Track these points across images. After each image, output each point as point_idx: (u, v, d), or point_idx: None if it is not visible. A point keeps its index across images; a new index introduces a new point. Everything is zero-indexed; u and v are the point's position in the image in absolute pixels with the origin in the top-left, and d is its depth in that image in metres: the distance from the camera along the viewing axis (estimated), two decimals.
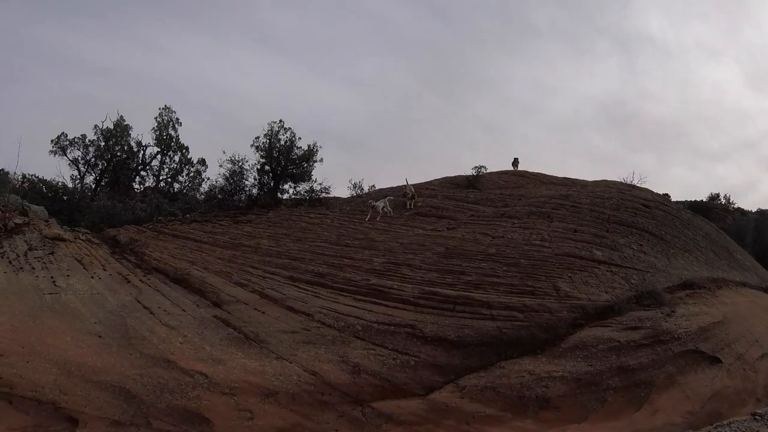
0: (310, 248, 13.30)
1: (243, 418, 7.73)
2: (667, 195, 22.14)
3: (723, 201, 43.18)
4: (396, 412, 8.31)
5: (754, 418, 9.80)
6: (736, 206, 43.38)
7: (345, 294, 10.71)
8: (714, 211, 37.48)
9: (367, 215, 16.91)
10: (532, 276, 11.46)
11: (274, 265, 12.12)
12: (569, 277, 11.61)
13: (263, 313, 9.83)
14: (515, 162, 24.70)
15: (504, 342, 9.63)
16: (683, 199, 36.35)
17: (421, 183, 20.88)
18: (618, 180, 20.71)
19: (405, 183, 18.62)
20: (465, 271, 11.62)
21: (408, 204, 17.63)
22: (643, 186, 20.24)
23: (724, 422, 9.56)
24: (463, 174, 21.65)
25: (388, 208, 15.98)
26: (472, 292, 10.64)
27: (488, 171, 22.07)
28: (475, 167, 21.58)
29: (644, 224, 15.62)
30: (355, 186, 23.29)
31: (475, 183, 20.63)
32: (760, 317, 13.81)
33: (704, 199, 42.09)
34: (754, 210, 41.40)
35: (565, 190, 18.23)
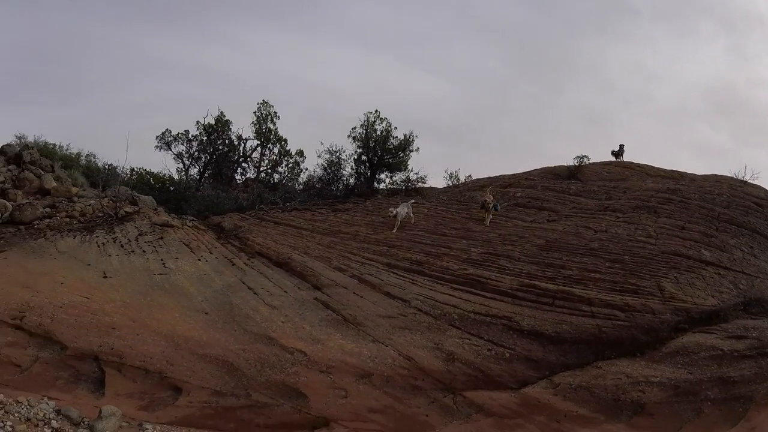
0: (407, 236, 13.37)
1: (338, 396, 7.99)
2: None
3: None
4: (487, 403, 8.31)
5: None
6: None
7: (442, 282, 10.73)
8: None
9: (454, 211, 16.15)
10: (635, 274, 10.95)
11: (372, 252, 12.30)
12: (675, 277, 11.01)
13: (361, 297, 10.07)
14: (620, 149, 23.25)
15: (603, 341, 9.33)
16: None
17: (520, 173, 20.31)
18: (728, 175, 19.38)
19: (485, 192, 15.68)
20: (566, 265, 11.32)
21: (485, 218, 14.73)
22: (755, 182, 18.83)
23: None
24: (564, 164, 20.88)
25: (411, 214, 14.61)
26: (572, 287, 10.38)
27: (591, 161, 21.13)
28: (577, 157, 20.56)
29: (756, 225, 14.48)
30: (451, 176, 22.92)
31: (577, 174, 19.72)
32: None
33: None
34: None
35: (673, 184, 17.24)
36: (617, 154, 23.10)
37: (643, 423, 8.52)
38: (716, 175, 18.92)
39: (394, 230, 13.54)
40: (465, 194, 18.20)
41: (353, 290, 10.32)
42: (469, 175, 22.73)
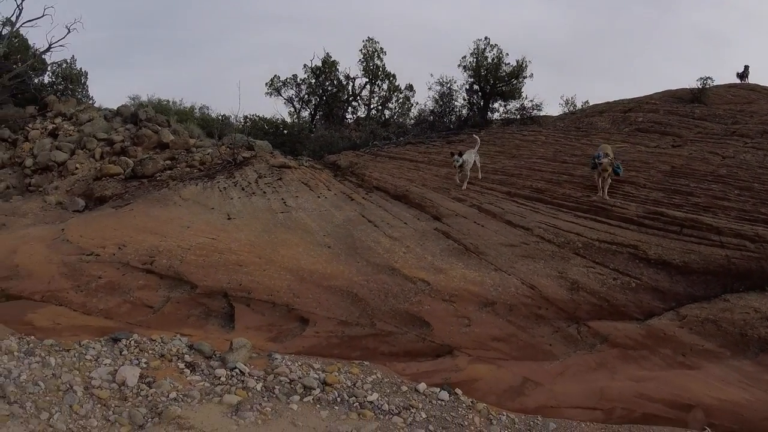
0: (526, 164, 13.05)
1: (461, 324, 8.00)
2: None
3: None
4: (612, 334, 8.02)
5: None
6: None
7: (564, 210, 10.43)
8: None
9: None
10: (766, 203, 10.16)
11: (491, 181, 12.10)
12: None
13: (482, 226, 9.96)
14: (745, 71, 21.56)
15: (731, 273, 8.71)
16: None
17: (639, 97, 19.23)
18: None
19: (603, 148, 11.94)
20: (693, 192, 10.66)
21: (599, 181, 10.98)
22: None
23: None
24: (686, 87, 19.63)
25: (478, 164, 12.00)
26: (700, 215, 9.75)
27: (715, 84, 19.74)
28: (700, 79, 19.24)
29: None
30: (567, 103, 22.09)
31: (700, 97, 18.40)
32: None
33: None
34: None
35: None
36: (742, 76, 21.48)
37: None
38: None
39: (464, 186, 11.48)
40: (583, 120, 17.44)
41: (473, 220, 10.22)
42: (586, 101, 21.86)
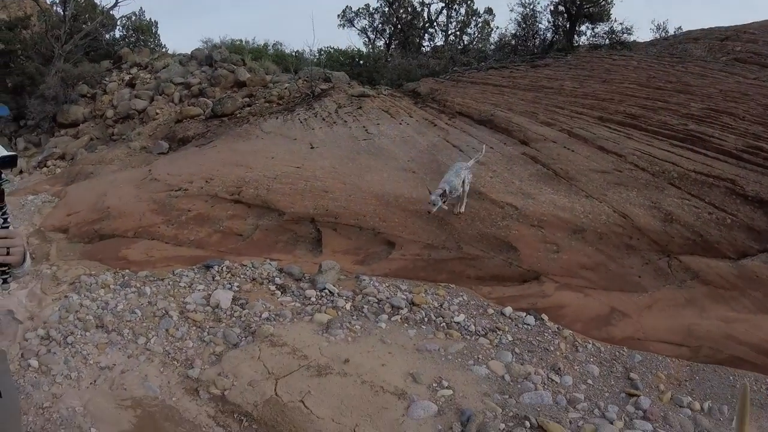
0: (617, 90, 12.47)
1: (549, 250, 7.83)
2: None
3: None
4: (703, 270, 7.60)
5: None
6: None
7: (659, 138, 9.90)
8: None
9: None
10: None
11: (581, 105, 11.66)
12: None
13: (572, 151, 9.62)
14: None
15: None
16: None
17: (737, 26, 18.07)
18: None
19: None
20: None
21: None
22: None
23: None
24: None
25: (466, 186, 8.36)
26: None
27: None
28: None
29: None
30: (659, 28, 20.92)
31: None
32: None
33: None
34: None
35: None
36: None
37: None
38: None
39: (461, 209, 8.45)
40: (677, 47, 16.54)
41: (563, 144, 9.87)
42: (679, 27, 20.70)
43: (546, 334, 6.88)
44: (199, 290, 7.42)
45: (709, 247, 7.87)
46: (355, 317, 6.88)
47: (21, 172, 15.07)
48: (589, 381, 6.04)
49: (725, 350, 6.80)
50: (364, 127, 11.85)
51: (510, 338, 6.69)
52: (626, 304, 7.41)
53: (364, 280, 7.69)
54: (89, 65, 20.00)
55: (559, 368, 6.15)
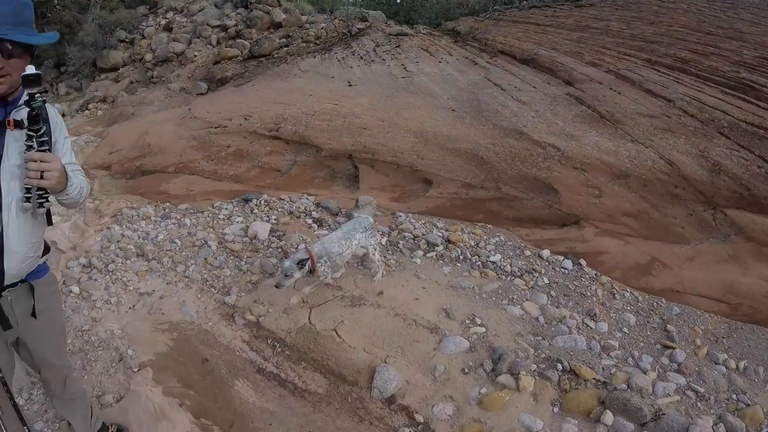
0: (666, 32, 12.02)
1: (590, 194, 7.64)
2: None
3: None
4: (749, 226, 7.30)
5: None
6: None
7: (710, 84, 9.48)
8: None
9: None
10: None
11: (628, 47, 11.26)
12: None
13: (619, 93, 9.29)
14: None
15: None
16: None
17: None
18: None
19: None
20: None
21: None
22: None
23: None
24: None
25: (372, 253, 6.13)
26: None
27: None
28: None
29: None
30: None
31: None
32: None
33: None
34: None
35: None
36: None
37: None
38: None
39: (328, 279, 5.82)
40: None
41: (609, 86, 9.54)
42: None
43: (583, 279, 6.78)
44: (237, 222, 7.47)
45: (757, 202, 7.51)
46: (390, 252, 6.86)
47: (63, 115, 15.23)
48: (625, 329, 5.95)
49: (765, 310, 6.61)
50: (402, 65, 11.62)
51: (546, 281, 6.61)
52: (667, 254, 7.23)
53: (400, 216, 7.66)
54: (125, 11, 20.00)
55: (595, 314, 6.06)
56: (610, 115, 8.75)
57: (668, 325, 6.09)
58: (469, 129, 8.73)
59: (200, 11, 18.75)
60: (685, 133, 8.34)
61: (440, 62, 11.56)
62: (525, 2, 17.25)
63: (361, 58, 12.66)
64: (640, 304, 6.51)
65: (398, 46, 13.10)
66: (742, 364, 5.61)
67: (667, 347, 5.72)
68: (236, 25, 17.11)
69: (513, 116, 8.82)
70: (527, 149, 8.15)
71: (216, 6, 19.02)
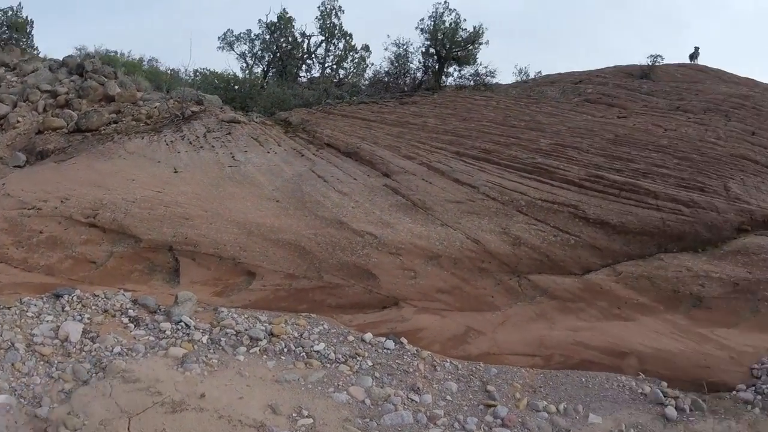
0: (476, 127, 13.16)
1: (407, 276, 8.20)
2: None
3: None
4: (551, 287, 8.48)
5: None
6: None
7: (510, 170, 10.65)
8: None
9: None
10: (703, 172, 10.73)
11: (441, 141, 12.18)
12: (741, 179, 10.75)
13: (430, 183, 10.10)
14: (695, 52, 22.56)
15: (666, 234, 9.28)
16: None
17: (591, 71, 19.78)
18: None
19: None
20: (633, 159, 11.07)
21: None
22: None
23: None
24: (637, 64, 20.28)
25: None
26: (639, 180, 10.19)
27: (664, 62, 20.46)
28: (650, 57, 20.03)
29: None
30: (520, 72, 22.32)
31: (650, 74, 19.12)
32: None
33: None
34: None
35: (746, 90, 16.66)
36: (692, 57, 22.46)
37: (701, 315, 8.51)
38: None
39: None
40: (534, 89, 17.84)
41: (422, 177, 10.33)
42: (539, 72, 22.20)
43: (405, 357, 7.17)
44: (47, 321, 7.00)
45: (556, 266, 8.78)
46: (212, 350, 6.80)
47: None
48: (448, 397, 6.41)
49: (575, 356, 7.60)
50: (231, 153, 11.72)
51: (370, 363, 6.89)
52: (481, 322, 8.01)
53: (222, 311, 7.61)
54: None
55: (419, 388, 6.46)
56: (422, 203, 9.52)
57: (488, 386, 6.65)
58: (292, 220, 9.02)
59: (33, 72, 17.51)
60: (488, 214, 9.36)
61: (269, 152, 11.81)
62: (355, 98, 18.09)
63: (191, 143, 12.60)
64: (460, 371, 7.00)
65: (229, 133, 13.18)
66: (562, 407, 6.27)
67: (489, 406, 6.25)
68: (68, 93, 16.14)
69: (334, 207, 9.28)
70: (347, 238, 8.58)
71: (50, 69, 17.85)
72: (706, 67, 20.89)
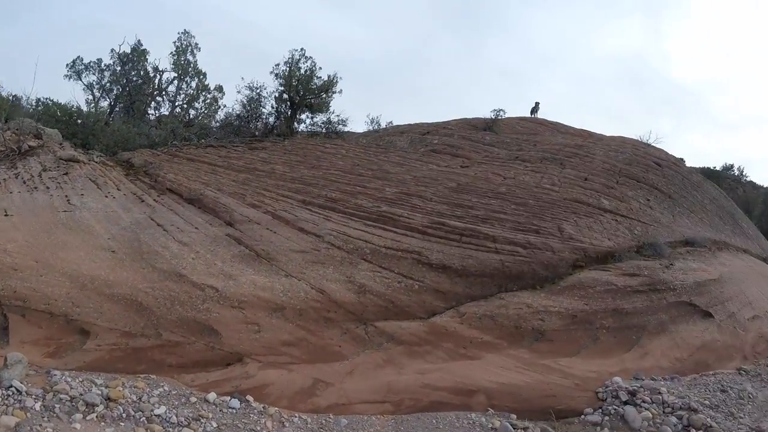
0: (323, 175, 13.32)
1: (251, 330, 8.06)
2: (682, 159, 22.04)
3: (736, 172, 42.74)
4: (397, 332, 8.71)
5: (739, 373, 10.38)
6: (748, 179, 42.99)
7: (355, 219, 10.85)
8: (726, 180, 37.07)
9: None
10: (538, 216, 11.62)
11: (288, 189, 12.20)
12: (575, 221, 11.76)
13: (275, 233, 10.04)
14: (536, 106, 24.59)
15: (506, 275, 9.91)
16: (697, 166, 36.16)
17: (438, 122, 20.81)
18: (634, 138, 20.62)
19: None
20: (474, 206, 11.72)
21: None
22: (658, 146, 20.14)
23: (710, 373, 10.09)
24: (481, 117, 21.59)
25: None
26: (479, 225, 10.78)
27: (507, 116, 21.99)
28: (494, 110, 21.49)
29: (654, 181, 15.75)
30: (372, 121, 23.03)
31: (493, 126, 20.50)
32: (756, 282, 14.08)
33: (718, 168, 41.70)
34: (766, 185, 41.13)
35: (580, 141, 18.27)
36: (533, 111, 24.42)
37: (544, 348, 9.26)
38: (623, 137, 20.38)
39: None
40: (384, 138, 18.44)
41: (267, 226, 10.25)
42: (390, 122, 23.00)
43: (252, 415, 7.08)
44: None
45: (401, 311, 9.03)
46: (46, 418, 6.34)
47: None
48: None
49: (425, 398, 7.89)
50: (67, 196, 11.01)
51: (215, 425, 6.74)
52: (329, 373, 8.04)
53: (55, 375, 7.13)
54: None
55: None
56: (266, 253, 9.44)
57: None
58: (128, 272, 8.57)
59: None
60: (333, 263, 9.46)
61: (107, 197, 11.20)
62: (203, 140, 17.72)
63: (25, 182, 11.73)
64: (309, 425, 6.99)
65: (67, 173, 12.41)
66: None
67: None
68: None
69: (173, 258, 8.93)
70: (187, 292, 8.29)
71: None
72: (545, 120, 22.80)
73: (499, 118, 21.26)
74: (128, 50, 22.23)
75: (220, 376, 7.68)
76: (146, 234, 9.65)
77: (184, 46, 22.91)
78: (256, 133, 19.59)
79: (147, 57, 22.55)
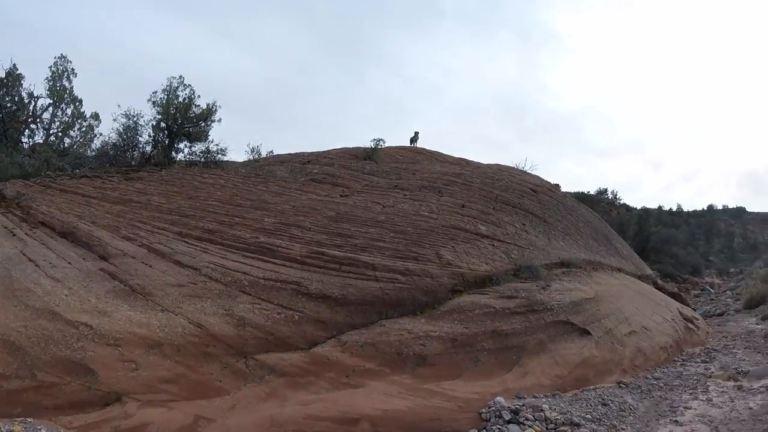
0: (201, 206, 13.33)
1: (128, 368, 7.95)
2: (557, 185, 23.58)
3: (610, 196, 45.92)
4: (279, 364, 8.80)
5: (620, 386, 11.08)
6: (621, 202, 46.39)
7: (233, 251, 10.94)
8: (600, 204, 39.82)
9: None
10: (417, 243, 12.10)
11: (164, 221, 12.14)
12: (453, 247, 12.31)
13: (150, 266, 9.95)
14: (415, 136, 25.52)
15: (386, 302, 10.26)
16: (573, 191, 38.53)
17: (319, 152, 21.21)
18: (510, 165, 21.78)
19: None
20: (353, 234, 12.09)
21: None
22: (533, 172, 21.45)
23: (591, 387, 10.69)
24: (362, 146, 22.17)
25: None
26: (358, 254, 11.13)
27: (387, 145, 22.69)
28: (374, 140, 22.20)
29: (529, 206, 16.70)
30: (253, 150, 23.21)
31: (373, 155, 21.14)
32: (631, 299, 15.18)
33: (592, 192, 44.57)
34: (638, 207, 44.48)
35: (458, 169, 19.05)
36: (412, 140, 25.39)
37: (426, 372, 9.57)
38: (499, 165, 21.54)
39: None
40: (264, 168, 18.60)
41: (142, 260, 10.16)
42: (271, 151, 23.23)
43: None
44: None
45: (282, 343, 9.15)
46: None
47: None
48: None
49: (308, 430, 7.92)
50: None
51: None
52: (210, 409, 7.97)
53: None
54: None
55: None
56: (141, 288, 9.36)
57: None
58: (0, 311, 8.28)
59: None
60: (211, 296, 9.50)
61: None
62: (78, 171, 17.18)
63: None
64: None
65: None
66: None
67: None
68: None
69: (46, 295, 8.68)
70: (60, 330, 8.10)
71: None
72: (424, 149, 23.79)
73: (379, 147, 22.04)
74: (2, 75, 21.23)
75: (98, 416, 7.50)
76: (18, 270, 9.34)
77: (60, 71, 22.21)
78: (133, 162, 19.21)
79: (22, 82, 21.65)
